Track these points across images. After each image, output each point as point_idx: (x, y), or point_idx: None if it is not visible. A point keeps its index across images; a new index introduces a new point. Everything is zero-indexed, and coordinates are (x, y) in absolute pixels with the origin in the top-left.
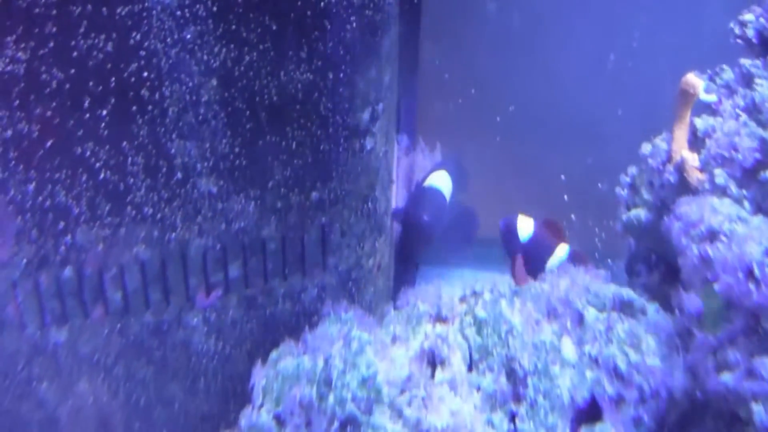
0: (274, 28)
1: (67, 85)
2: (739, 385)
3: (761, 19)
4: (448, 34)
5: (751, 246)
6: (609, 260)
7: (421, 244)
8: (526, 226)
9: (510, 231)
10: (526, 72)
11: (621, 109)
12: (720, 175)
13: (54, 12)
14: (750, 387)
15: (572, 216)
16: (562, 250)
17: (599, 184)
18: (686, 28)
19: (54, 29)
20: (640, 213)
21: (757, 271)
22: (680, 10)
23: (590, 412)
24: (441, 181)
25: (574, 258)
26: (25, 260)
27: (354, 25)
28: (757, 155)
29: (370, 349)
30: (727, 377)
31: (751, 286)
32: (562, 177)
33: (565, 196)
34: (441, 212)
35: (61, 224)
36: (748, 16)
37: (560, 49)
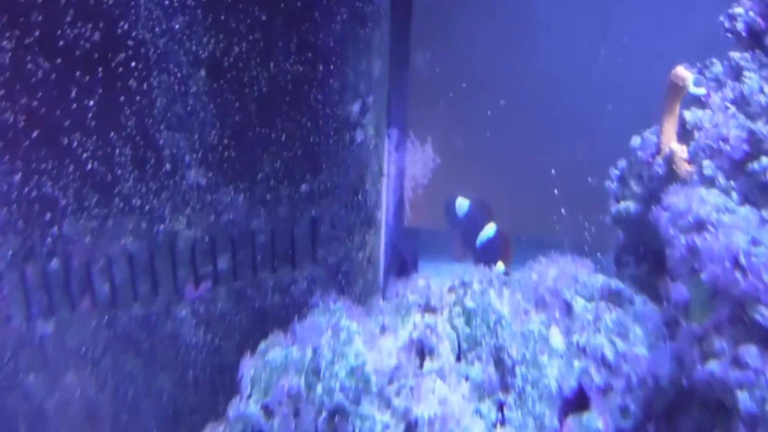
0: (264, 18)
1: (54, 75)
2: (724, 373)
3: (750, 13)
4: (440, 27)
5: (737, 236)
6: (598, 254)
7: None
8: (462, 205)
9: (450, 208)
10: (518, 66)
11: (611, 104)
12: (708, 167)
13: (40, 1)
14: (735, 375)
15: (562, 210)
16: (490, 228)
17: (589, 179)
18: (677, 23)
19: (40, 18)
20: (629, 205)
21: (743, 260)
22: (671, 6)
23: (578, 401)
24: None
25: (500, 237)
26: (11, 252)
27: (344, 17)
28: (746, 147)
29: (358, 339)
30: (713, 365)
31: (738, 275)
32: (552, 171)
33: (556, 190)
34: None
35: (48, 215)
36: (737, 10)
37: (551, 44)
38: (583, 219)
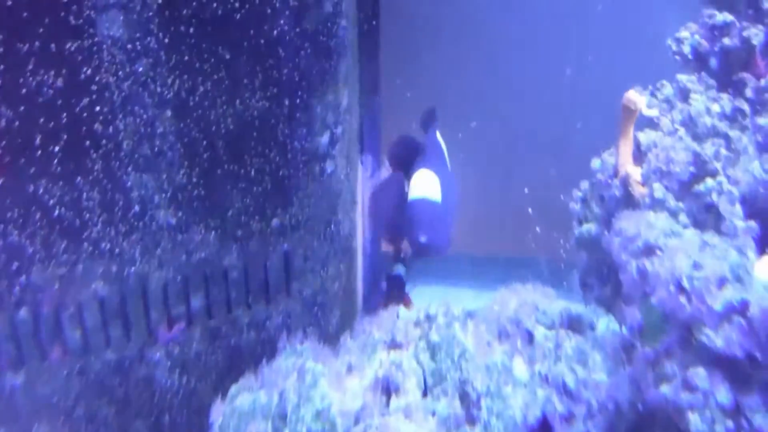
0: (228, 57)
1: (17, 123)
2: (676, 396)
3: (696, 36)
4: (408, 53)
5: (681, 260)
6: (575, 271)
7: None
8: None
9: None
10: (487, 88)
11: (580, 121)
12: (659, 189)
13: (1, 50)
14: (686, 398)
15: (537, 228)
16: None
17: (562, 196)
18: (641, 40)
19: (1, 67)
20: (591, 227)
21: (686, 284)
22: (635, 23)
23: (542, 430)
24: (428, 186)
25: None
26: None
27: (308, 51)
28: (692, 169)
29: (324, 381)
30: (665, 389)
31: (683, 299)
32: (526, 190)
33: (530, 209)
34: (440, 224)
35: (15, 264)
36: (683, 33)
37: (520, 65)
38: (558, 237)
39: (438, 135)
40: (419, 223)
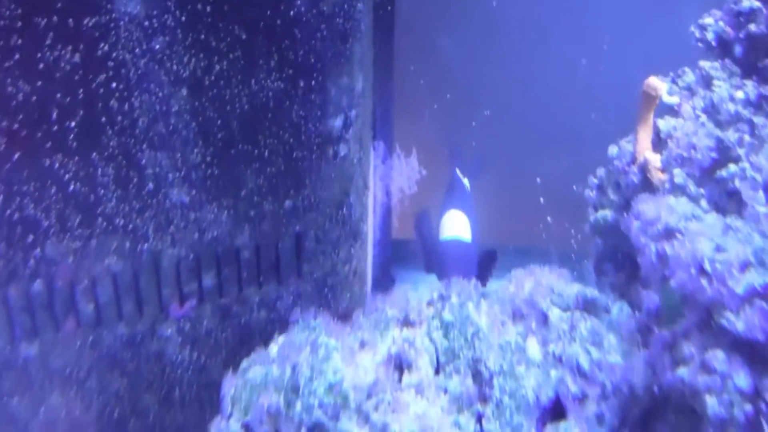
0: (244, 37)
1: (34, 98)
2: (693, 379)
3: (720, 23)
4: (423, 40)
5: (702, 243)
6: (585, 261)
7: None
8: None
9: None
10: (501, 77)
11: (594, 112)
12: (679, 175)
13: (19, 24)
14: (704, 380)
15: (548, 218)
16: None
17: (574, 186)
18: (657, 30)
19: (19, 41)
20: (607, 213)
21: (708, 267)
22: (651, 12)
23: (555, 410)
24: (459, 226)
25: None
26: None
27: (324, 33)
28: (714, 155)
29: (337, 355)
30: (682, 371)
31: (704, 281)
32: (538, 180)
33: (541, 199)
34: (470, 263)
35: (30, 237)
36: (707, 20)
37: (534, 54)
38: (570, 226)
39: (458, 172)
40: (451, 263)
